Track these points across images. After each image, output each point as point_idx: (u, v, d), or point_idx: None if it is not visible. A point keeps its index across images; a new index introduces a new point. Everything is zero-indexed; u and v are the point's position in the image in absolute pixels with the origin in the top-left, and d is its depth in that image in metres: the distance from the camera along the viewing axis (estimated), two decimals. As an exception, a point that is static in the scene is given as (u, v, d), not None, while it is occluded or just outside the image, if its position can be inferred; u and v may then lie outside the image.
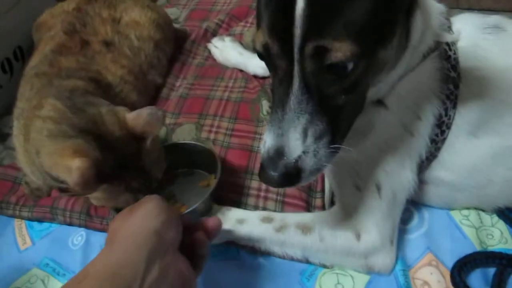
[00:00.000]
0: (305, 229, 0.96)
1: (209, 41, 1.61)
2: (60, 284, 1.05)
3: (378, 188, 0.93)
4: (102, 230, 1.13)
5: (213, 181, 1.10)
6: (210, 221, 0.86)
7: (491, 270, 0.95)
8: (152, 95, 1.40)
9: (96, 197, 0.96)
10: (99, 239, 1.12)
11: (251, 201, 1.11)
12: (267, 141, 0.74)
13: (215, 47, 1.58)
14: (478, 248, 0.99)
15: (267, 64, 0.75)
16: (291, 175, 0.73)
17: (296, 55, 0.67)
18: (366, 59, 0.70)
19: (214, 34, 1.64)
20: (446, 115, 0.91)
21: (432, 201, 1.05)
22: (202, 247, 0.81)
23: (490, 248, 1.00)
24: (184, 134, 1.26)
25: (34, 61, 1.20)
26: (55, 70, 1.13)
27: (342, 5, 0.65)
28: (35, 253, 1.13)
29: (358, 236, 0.94)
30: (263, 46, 0.71)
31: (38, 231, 1.18)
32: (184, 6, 1.86)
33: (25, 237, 1.17)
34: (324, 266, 0.99)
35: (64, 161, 0.86)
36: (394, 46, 0.76)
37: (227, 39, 1.58)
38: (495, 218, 1.04)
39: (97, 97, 1.05)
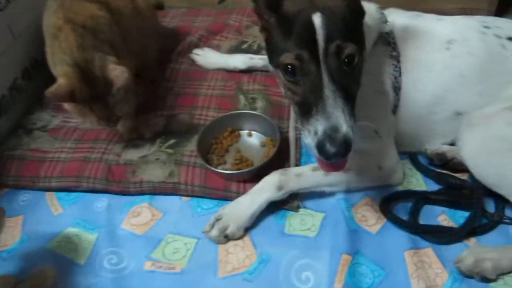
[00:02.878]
0: (345, 170, 1.26)
1: (191, 52, 1.96)
2: (92, 237, 1.35)
3: (377, 132, 1.33)
4: (121, 193, 1.46)
5: (269, 143, 1.50)
6: None
7: (410, 204, 1.34)
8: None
9: (71, 109, 1.38)
10: (119, 201, 1.45)
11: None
12: (319, 127, 1.02)
13: (197, 54, 1.94)
14: (401, 191, 1.39)
15: (297, 75, 1.08)
16: (346, 146, 1.01)
17: (321, 56, 1.04)
18: (361, 55, 1.09)
19: (196, 46, 1.99)
20: (396, 81, 1.33)
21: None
22: None
23: (409, 190, 1.40)
24: (180, 122, 1.61)
25: None
26: None
27: (342, 22, 1.06)
28: (67, 217, 1.42)
29: (380, 168, 1.35)
30: (296, 57, 1.06)
31: (67, 200, 1.48)
32: (168, 23, 2.22)
33: (56, 206, 1.46)
34: (358, 190, 1.39)
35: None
36: (364, 47, 1.15)
37: (206, 48, 1.96)
38: (414, 170, 1.46)
39: (106, 28, 1.43)
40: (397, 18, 1.38)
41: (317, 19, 1.04)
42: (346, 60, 1.06)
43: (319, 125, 1.03)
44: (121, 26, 1.52)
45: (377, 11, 1.34)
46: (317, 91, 1.04)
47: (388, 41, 1.33)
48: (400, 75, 1.34)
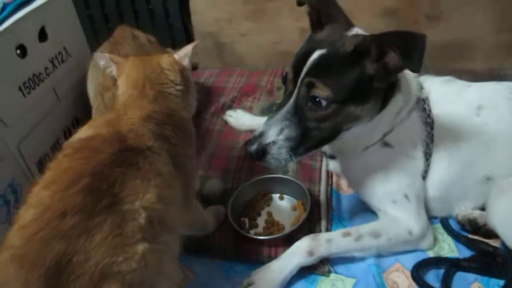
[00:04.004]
0: (375, 235, 1.36)
1: (224, 113, 2.05)
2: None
3: (406, 197, 1.38)
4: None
5: (300, 206, 1.54)
6: None
7: (441, 271, 1.33)
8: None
9: None
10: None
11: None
12: (259, 128, 1.20)
13: (230, 116, 2.02)
14: (433, 257, 1.39)
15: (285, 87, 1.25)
16: (260, 153, 1.18)
17: (298, 83, 1.17)
18: (337, 106, 1.17)
19: (229, 107, 2.08)
20: (428, 147, 1.37)
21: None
22: None
23: (441, 257, 1.39)
24: (213, 186, 1.66)
25: None
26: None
27: (336, 69, 1.15)
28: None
29: (410, 233, 1.37)
30: (285, 74, 1.25)
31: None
32: (203, 83, 2.31)
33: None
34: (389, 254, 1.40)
35: None
36: (366, 109, 1.22)
37: (238, 110, 2.03)
38: (445, 235, 1.45)
39: None
40: (431, 85, 1.43)
41: (316, 54, 1.16)
42: (316, 99, 1.16)
43: (261, 126, 1.21)
44: None
45: (415, 77, 1.39)
46: (282, 104, 1.21)
47: (424, 107, 1.37)
48: (432, 142, 1.37)
